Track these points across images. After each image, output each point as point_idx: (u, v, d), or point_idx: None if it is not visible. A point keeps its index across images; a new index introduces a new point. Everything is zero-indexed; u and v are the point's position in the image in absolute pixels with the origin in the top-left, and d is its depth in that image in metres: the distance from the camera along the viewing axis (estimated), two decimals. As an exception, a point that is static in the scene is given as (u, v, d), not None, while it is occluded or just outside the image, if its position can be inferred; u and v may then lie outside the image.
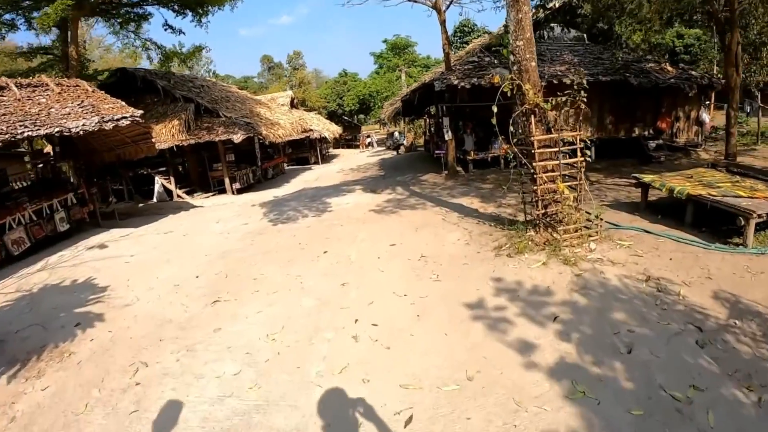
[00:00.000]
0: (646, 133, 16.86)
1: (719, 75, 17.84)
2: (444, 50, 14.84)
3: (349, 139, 46.06)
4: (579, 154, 7.42)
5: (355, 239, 9.39)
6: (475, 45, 17.05)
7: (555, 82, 14.34)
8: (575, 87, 7.11)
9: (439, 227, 9.47)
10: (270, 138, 20.73)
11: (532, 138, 7.34)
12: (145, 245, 10.59)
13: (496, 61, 15.28)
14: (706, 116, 17.69)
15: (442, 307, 5.81)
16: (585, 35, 17.62)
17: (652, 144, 16.54)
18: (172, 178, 19.19)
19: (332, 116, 46.26)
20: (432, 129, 26.58)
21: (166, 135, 18.09)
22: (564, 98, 7.04)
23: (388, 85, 34.38)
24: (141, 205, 17.95)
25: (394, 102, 23.98)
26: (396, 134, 34.36)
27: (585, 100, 7.10)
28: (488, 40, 16.37)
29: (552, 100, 7.10)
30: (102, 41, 39.87)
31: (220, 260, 8.86)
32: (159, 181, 19.06)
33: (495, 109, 7.26)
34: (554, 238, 7.27)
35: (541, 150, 7.37)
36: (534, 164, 7.33)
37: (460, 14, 36.06)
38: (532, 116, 7.36)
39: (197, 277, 8.00)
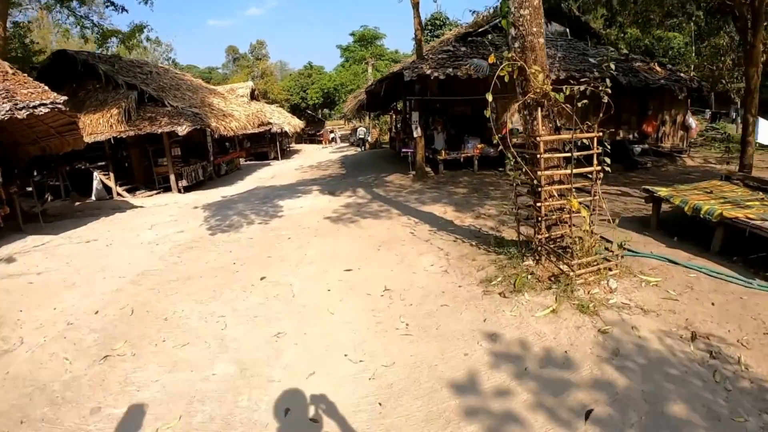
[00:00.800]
0: (630, 137, 15.38)
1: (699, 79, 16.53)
2: (415, 36, 12.89)
3: (313, 134, 43.68)
4: (595, 161, 5.57)
5: (303, 259, 7.35)
6: (449, 35, 15.16)
7: (539, 76, 12.60)
8: (602, 70, 5.19)
9: (407, 245, 7.51)
10: (221, 131, 18.36)
11: (537, 138, 5.44)
12: (59, 259, 8.36)
13: (472, 52, 13.43)
14: (692, 121, 16.40)
15: (416, 389, 3.82)
16: (568, 30, 15.99)
17: (637, 149, 15.11)
18: (111, 174, 16.66)
19: (295, 110, 43.75)
20: (398, 125, 24.65)
21: (104, 125, 15.68)
22: (582, 87, 5.13)
23: (353, 78, 32.22)
24: (77, 204, 15.50)
25: (358, 95, 21.92)
26: (360, 130, 32.33)
27: (609, 91, 5.23)
28: (464, 29, 14.52)
29: (566, 89, 5.19)
30: (61, 27, 35.94)
31: (132, 286, 6.71)
32: (98, 178, 16.53)
33: (490, 97, 5.37)
34: (562, 272, 5.39)
35: (548, 155, 5.48)
36: (538, 173, 5.44)
37: (434, 0, 33.97)
38: (539, 109, 5.45)
39: (96, 312, 5.84)
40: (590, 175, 5.70)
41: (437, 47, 14.26)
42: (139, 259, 8.11)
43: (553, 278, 5.42)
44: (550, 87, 5.25)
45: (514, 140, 13.94)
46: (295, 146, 39.51)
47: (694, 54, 20.78)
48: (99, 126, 15.60)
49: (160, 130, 15.96)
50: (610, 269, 5.52)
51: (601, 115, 5.44)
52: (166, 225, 10.84)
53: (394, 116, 27.40)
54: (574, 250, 5.41)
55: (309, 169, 20.80)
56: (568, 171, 5.48)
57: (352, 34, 41.15)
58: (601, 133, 5.51)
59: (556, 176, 5.60)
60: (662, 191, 7.41)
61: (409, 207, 10.36)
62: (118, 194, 16.63)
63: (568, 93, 5.15)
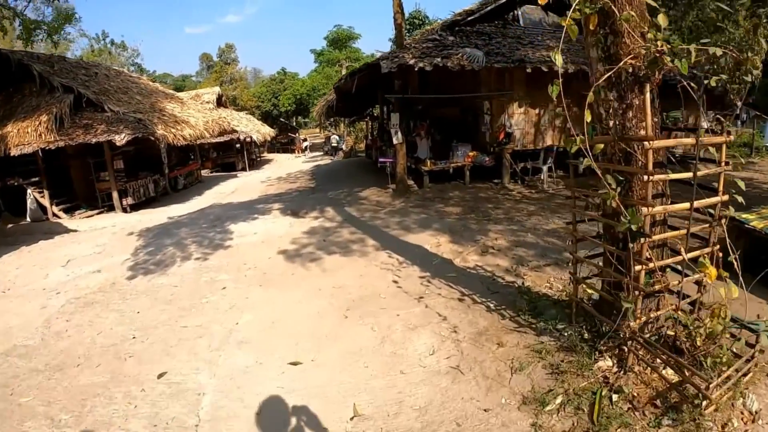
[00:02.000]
0: (640, 142, 13.06)
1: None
2: (395, 20, 10.37)
3: (286, 143, 40.77)
4: (721, 184, 3.10)
5: (231, 334, 4.75)
6: (435, 25, 12.67)
7: (544, 69, 10.22)
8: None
9: (390, 307, 4.93)
10: (169, 139, 15.50)
11: (640, 143, 2.93)
12: None
13: (463, 42, 10.96)
14: (705, 123, 14.18)
15: None
16: (566, 20, 13.64)
17: (649, 156, 12.78)
18: (46, 192, 13.79)
19: (267, 117, 40.79)
20: (374, 132, 22.09)
21: (32, 135, 12.94)
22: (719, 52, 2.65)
23: (326, 82, 29.59)
24: (10, 226, 12.77)
25: (328, 96, 19.23)
26: (333, 138, 29.73)
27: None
28: (452, 17, 12.05)
29: (693, 49, 2.70)
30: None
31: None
32: (31, 196, 13.69)
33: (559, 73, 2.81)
34: (681, 390, 2.87)
35: (659, 175, 2.97)
36: (639, 204, 2.92)
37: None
38: (645, 89, 2.95)
39: None
40: (708, 210, 3.21)
41: (421, 37, 11.74)
42: (21, 320, 5.64)
43: (659, 399, 2.89)
44: (666, 47, 2.73)
45: (512, 147, 11.58)
46: (267, 155, 36.63)
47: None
48: (27, 136, 12.87)
49: (95, 140, 13.21)
50: (745, 374, 3.04)
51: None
52: (85, 260, 8.30)
53: (369, 123, 24.89)
54: (690, 346, 2.89)
55: (276, 181, 18.09)
56: (686, 205, 2.97)
57: (326, 38, 38.56)
58: (731, 136, 3.03)
59: (660, 214, 3.09)
60: (753, 218, 4.98)
61: (389, 236, 7.79)
62: (54, 215, 13.80)
63: (693, 59, 2.64)
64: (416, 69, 9.18)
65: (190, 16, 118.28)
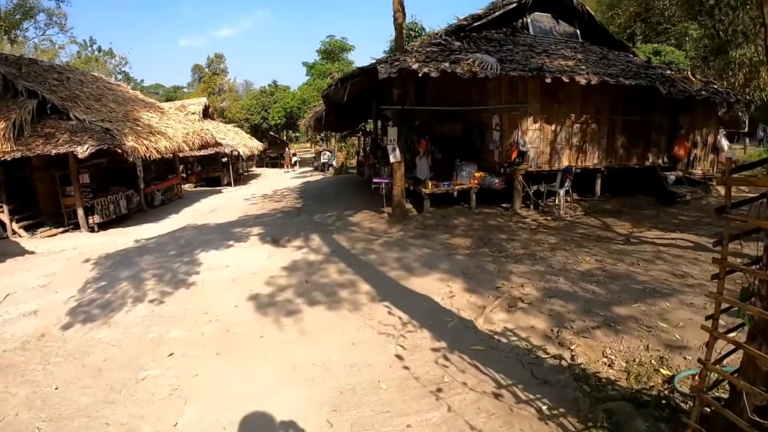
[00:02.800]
0: (660, 161, 11.72)
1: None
2: (395, 21, 8.90)
3: (275, 157, 39.19)
4: None
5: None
6: (439, 31, 11.25)
7: (565, 79, 8.81)
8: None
9: (395, 412, 3.39)
10: (141, 152, 13.86)
11: None
12: None
13: (470, 48, 9.55)
14: (725, 142, 12.96)
15: None
16: (578, 31, 12.34)
17: (671, 177, 11.46)
18: (5, 207, 12.16)
19: (256, 131, 39.17)
20: (367, 148, 20.61)
21: None
22: None
23: (317, 95, 28.24)
24: None
25: (317, 107, 17.64)
26: (325, 154, 28.26)
27: None
28: (458, 22, 10.66)
29: None
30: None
31: None
32: None
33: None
34: None
35: None
36: None
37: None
38: None
39: None
40: None
41: (424, 41, 10.27)
42: None
43: None
44: None
45: (525, 168, 10.11)
46: (255, 170, 35.05)
47: (692, 69, 17.56)
48: (-19, 144, 11.35)
49: (54, 151, 11.65)
50: None
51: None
52: (26, 295, 6.86)
53: (361, 138, 23.49)
54: None
55: (261, 199, 16.51)
56: None
57: (318, 50, 37.24)
58: None
59: None
60: None
61: (387, 279, 6.25)
62: (15, 232, 12.16)
63: None
64: (420, 75, 7.70)
65: (185, 29, 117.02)
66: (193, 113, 25.93)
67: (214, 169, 26.17)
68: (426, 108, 10.08)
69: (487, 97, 10.09)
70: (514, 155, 9.54)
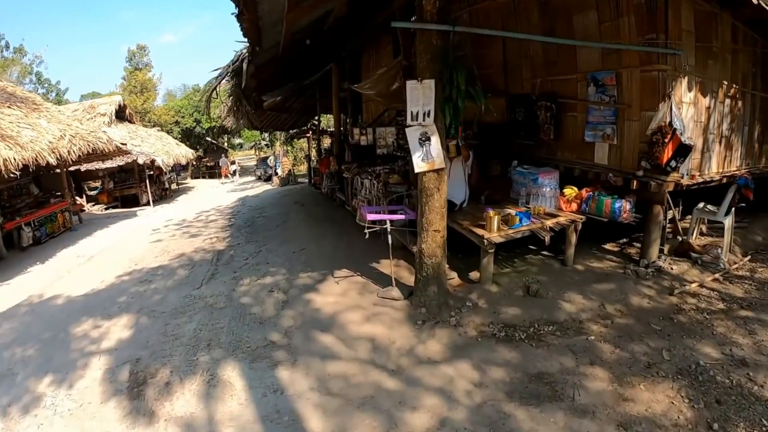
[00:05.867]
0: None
1: None
2: None
3: (212, 167, 32.31)
4: None
5: None
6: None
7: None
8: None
9: None
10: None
11: None
12: None
13: None
14: None
15: None
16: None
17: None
18: None
19: (189, 136, 32.20)
20: (325, 149, 14.74)
21: None
22: None
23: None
24: None
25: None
26: (270, 159, 22.29)
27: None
28: None
29: None
30: None
31: None
32: None
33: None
34: None
35: None
36: None
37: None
38: None
39: None
40: None
41: None
42: None
43: None
44: None
45: (676, 177, 4.70)
46: (189, 182, 28.28)
47: None
48: None
49: None
50: None
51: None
52: None
53: (312, 138, 17.67)
54: None
55: (175, 229, 10.49)
56: None
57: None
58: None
59: None
60: None
61: None
62: None
63: None
64: None
65: (128, 35, 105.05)
66: (103, 114, 19.27)
67: (130, 185, 19.34)
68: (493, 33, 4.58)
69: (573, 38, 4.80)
70: (668, 153, 4.22)
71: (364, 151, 8.71)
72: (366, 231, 4.53)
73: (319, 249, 6.44)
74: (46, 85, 36.51)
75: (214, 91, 5.60)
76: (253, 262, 6.19)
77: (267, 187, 19.31)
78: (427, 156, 3.53)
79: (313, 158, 17.11)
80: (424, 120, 3.63)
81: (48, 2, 78.49)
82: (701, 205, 5.26)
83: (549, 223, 4.32)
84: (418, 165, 3.58)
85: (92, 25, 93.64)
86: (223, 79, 5.61)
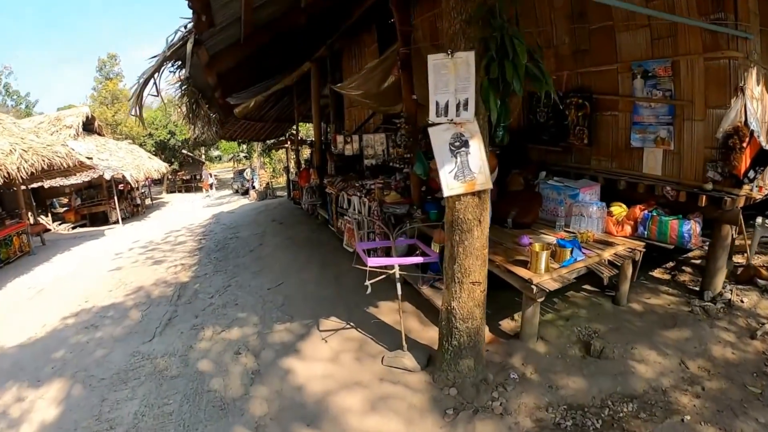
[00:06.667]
0: None
1: None
2: None
3: (188, 180, 30.59)
4: None
5: None
6: None
7: None
8: None
9: None
10: None
11: None
12: None
13: None
14: None
15: None
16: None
17: None
18: None
19: (164, 149, 30.52)
20: (304, 161, 13.55)
21: None
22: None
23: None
24: None
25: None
26: (247, 171, 20.98)
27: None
28: None
29: None
30: None
31: None
32: None
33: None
34: None
35: None
36: None
37: None
38: None
39: None
40: None
41: None
42: None
43: None
44: None
45: (748, 190, 3.68)
46: (164, 197, 26.66)
47: None
48: None
49: None
50: None
51: None
52: None
53: (290, 148, 16.43)
54: None
55: (138, 254, 9.26)
56: None
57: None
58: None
59: None
60: None
61: None
62: None
63: None
64: None
65: (105, 47, 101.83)
66: (69, 127, 17.72)
67: (98, 202, 17.72)
68: None
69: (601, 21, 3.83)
70: (747, 160, 3.24)
71: (349, 161, 7.60)
72: (367, 283, 3.37)
73: (299, 285, 5.27)
74: (15, 97, 34.53)
75: (154, 86, 4.12)
76: (219, 303, 4.99)
77: (244, 201, 17.98)
78: (463, 171, 2.43)
79: (292, 170, 15.91)
80: (457, 114, 2.45)
81: (22, 14, 76.14)
82: (759, 220, 4.33)
83: (606, 255, 3.29)
84: (450, 185, 2.48)
85: (70, 37, 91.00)
86: (163, 68, 4.22)
